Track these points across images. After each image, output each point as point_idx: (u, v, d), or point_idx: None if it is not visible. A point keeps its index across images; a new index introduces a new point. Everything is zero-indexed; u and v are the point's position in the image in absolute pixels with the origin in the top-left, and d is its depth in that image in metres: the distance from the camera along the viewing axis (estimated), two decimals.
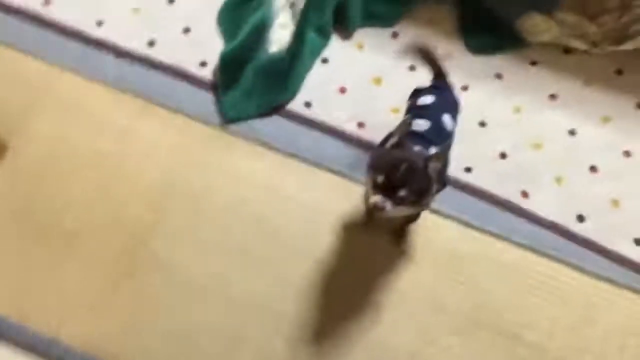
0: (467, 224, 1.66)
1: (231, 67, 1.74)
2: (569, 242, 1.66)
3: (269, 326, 1.53)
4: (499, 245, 1.65)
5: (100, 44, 1.80)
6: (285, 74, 1.73)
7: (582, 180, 1.72)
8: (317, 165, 1.70)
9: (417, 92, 1.48)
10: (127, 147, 1.70)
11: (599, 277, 1.63)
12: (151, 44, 1.81)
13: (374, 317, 1.56)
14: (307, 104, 1.77)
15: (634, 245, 1.65)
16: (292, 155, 1.71)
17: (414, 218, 1.56)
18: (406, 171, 1.20)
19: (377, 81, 1.81)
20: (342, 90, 1.79)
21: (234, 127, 1.73)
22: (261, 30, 1.77)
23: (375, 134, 1.70)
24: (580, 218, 1.67)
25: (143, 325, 1.51)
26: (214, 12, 1.87)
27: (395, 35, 1.87)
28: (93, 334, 1.49)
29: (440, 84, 1.51)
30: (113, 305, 1.53)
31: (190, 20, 1.86)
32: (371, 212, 1.42)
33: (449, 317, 1.57)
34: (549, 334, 1.57)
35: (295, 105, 1.77)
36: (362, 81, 1.81)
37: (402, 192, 1.20)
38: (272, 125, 1.74)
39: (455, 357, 1.53)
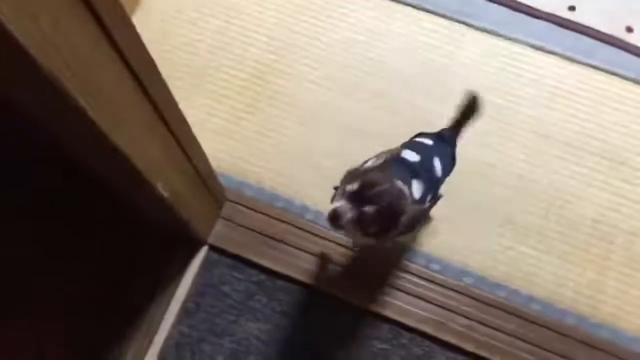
0: (571, 60, 1.72)
1: None
2: None
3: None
4: (603, 78, 1.70)
5: None
6: None
7: None
8: (422, 9, 1.79)
9: (420, 134, 1.38)
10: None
11: None
12: None
13: (481, 142, 1.65)
14: None
15: None
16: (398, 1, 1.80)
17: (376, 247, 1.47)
18: (380, 195, 1.08)
19: None
20: None
21: None
22: None
23: None
24: None
25: (265, 148, 1.66)
26: None
27: None
28: (221, 156, 1.65)
29: (446, 136, 1.37)
30: (238, 134, 1.68)
31: None
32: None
33: (555, 143, 1.65)
34: None
35: None
36: None
37: (368, 208, 1.08)
38: None
39: (562, 177, 1.61)
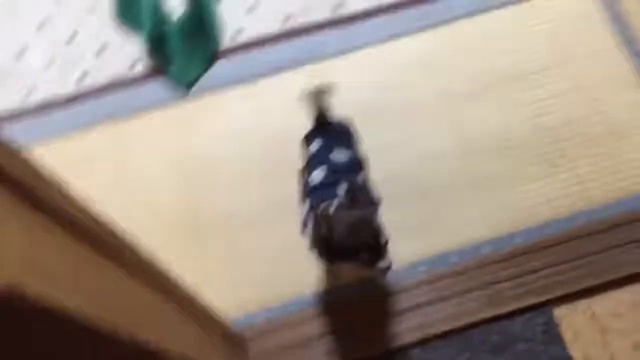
0: None
1: (158, 45, 1.87)
2: None
3: None
4: None
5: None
6: (202, 22, 1.89)
7: None
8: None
9: (306, 140, 1.47)
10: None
11: None
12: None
13: None
14: (234, 35, 1.92)
15: None
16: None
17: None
18: (362, 229, 1.23)
19: None
20: (252, 8, 1.96)
21: (197, 90, 1.86)
22: (160, 3, 1.92)
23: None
24: None
25: None
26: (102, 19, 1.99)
27: None
28: None
29: (323, 122, 1.47)
30: None
31: (95, 38, 1.98)
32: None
33: None
34: None
35: (230, 42, 1.92)
36: None
37: (383, 239, 1.26)
38: (224, 68, 1.89)
39: None
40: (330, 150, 1.37)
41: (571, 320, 1.45)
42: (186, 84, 1.85)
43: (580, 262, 1.51)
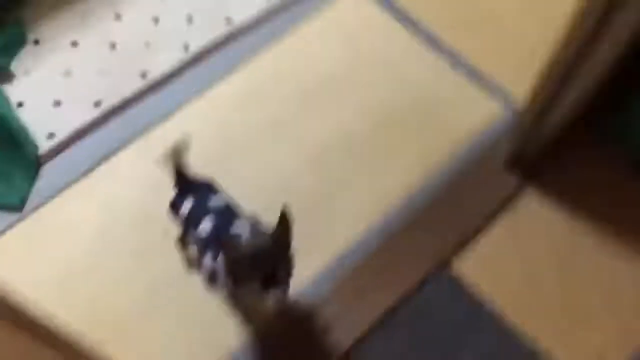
0: None
1: None
2: None
3: None
4: None
5: None
6: (10, 136, 1.77)
7: None
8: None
9: (175, 205, 1.45)
10: None
11: None
12: None
13: None
14: (50, 136, 1.83)
15: None
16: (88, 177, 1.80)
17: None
18: (262, 253, 1.20)
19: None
20: (57, 104, 1.89)
21: (32, 205, 1.74)
22: None
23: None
24: None
25: None
26: None
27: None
28: None
29: (186, 182, 1.46)
30: None
31: None
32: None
33: None
34: None
35: (44, 148, 1.82)
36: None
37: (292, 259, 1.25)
38: (51, 173, 1.80)
39: None
40: (207, 200, 1.40)
41: (466, 272, 1.63)
42: (17, 204, 1.72)
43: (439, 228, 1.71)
